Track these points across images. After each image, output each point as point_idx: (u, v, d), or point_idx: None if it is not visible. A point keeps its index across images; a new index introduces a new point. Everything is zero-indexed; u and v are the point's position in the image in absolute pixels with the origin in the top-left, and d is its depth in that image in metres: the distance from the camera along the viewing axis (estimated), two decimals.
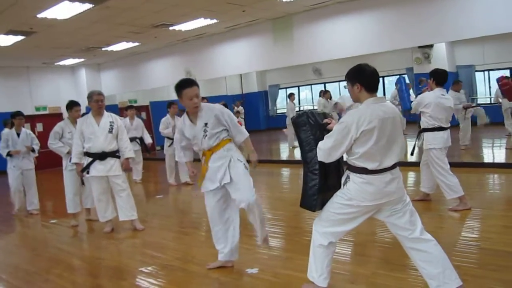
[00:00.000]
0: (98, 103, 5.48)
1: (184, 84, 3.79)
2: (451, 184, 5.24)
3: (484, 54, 14.89)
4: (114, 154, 5.59)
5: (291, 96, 13.37)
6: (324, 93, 13.26)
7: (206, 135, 3.82)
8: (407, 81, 13.22)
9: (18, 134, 7.29)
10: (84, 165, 5.51)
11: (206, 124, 3.82)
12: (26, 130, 7.48)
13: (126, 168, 5.75)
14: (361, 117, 2.79)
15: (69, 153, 6.07)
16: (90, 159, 5.49)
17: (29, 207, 7.46)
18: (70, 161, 6.06)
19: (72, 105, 6.34)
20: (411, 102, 5.46)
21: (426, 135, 5.37)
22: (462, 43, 14.17)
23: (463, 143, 9.87)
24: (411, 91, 12.47)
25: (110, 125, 5.55)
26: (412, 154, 5.92)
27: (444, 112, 5.32)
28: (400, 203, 2.94)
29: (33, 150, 7.37)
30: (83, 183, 6.29)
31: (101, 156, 5.47)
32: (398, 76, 4.96)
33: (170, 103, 9.20)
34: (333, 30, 9.95)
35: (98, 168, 5.48)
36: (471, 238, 4.45)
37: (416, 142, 5.70)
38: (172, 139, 8.75)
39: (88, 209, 6.57)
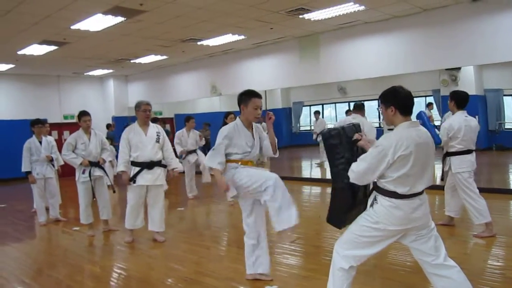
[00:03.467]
0: (146, 112, 5.61)
1: (255, 93, 3.97)
2: (480, 208, 5.13)
3: None
4: (160, 163, 5.69)
5: (316, 113, 13.58)
6: (348, 112, 13.41)
7: (260, 147, 4.09)
8: (429, 110, 13.17)
9: (40, 142, 7.41)
10: (131, 174, 5.55)
11: (259, 137, 4.09)
12: (46, 138, 7.61)
13: (172, 178, 5.92)
14: (398, 141, 2.76)
15: (82, 164, 6.20)
16: (137, 168, 5.54)
17: (51, 214, 7.57)
18: (83, 172, 6.23)
19: (81, 115, 6.36)
20: (438, 134, 5.23)
21: (453, 159, 5.26)
22: (491, 66, 13.98)
23: None
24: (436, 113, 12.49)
25: (157, 135, 5.67)
26: (442, 179, 5.70)
27: (473, 134, 5.26)
28: (425, 229, 2.91)
29: (51, 160, 7.45)
30: (94, 197, 6.36)
31: (149, 165, 5.55)
32: (418, 112, 4.84)
33: (188, 117, 9.30)
34: (359, 50, 9.96)
35: (146, 178, 5.55)
36: (496, 266, 4.35)
37: (443, 167, 5.54)
38: (185, 152, 9.03)
39: (105, 221, 6.60)
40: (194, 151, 9.18)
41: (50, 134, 8.49)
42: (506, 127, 15.43)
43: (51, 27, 8.61)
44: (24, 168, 7.30)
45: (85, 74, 15.39)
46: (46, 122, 8.24)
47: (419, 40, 9.00)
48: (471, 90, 13.62)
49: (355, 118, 6.78)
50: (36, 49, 10.50)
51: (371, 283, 4.05)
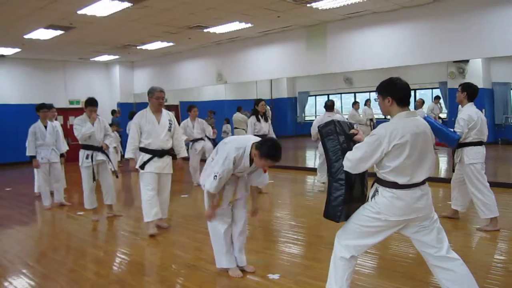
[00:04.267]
0: (159, 100, 5.46)
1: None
2: (488, 203, 5.09)
3: None
4: (170, 152, 5.62)
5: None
6: (354, 104, 13.48)
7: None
8: (436, 104, 13.17)
9: (46, 127, 7.43)
10: (138, 161, 5.44)
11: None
12: (52, 123, 7.61)
13: (182, 167, 5.89)
14: (393, 130, 2.77)
15: (91, 135, 6.17)
16: (147, 155, 5.41)
17: (56, 198, 7.62)
18: (86, 157, 6.22)
19: (88, 104, 6.30)
20: (452, 130, 5.12)
21: (467, 150, 5.18)
22: (499, 59, 13.85)
23: None
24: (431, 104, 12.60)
25: (169, 123, 5.57)
26: (453, 170, 5.59)
27: (485, 126, 5.23)
28: (428, 220, 2.90)
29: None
30: (94, 180, 6.33)
31: (161, 153, 5.46)
32: (424, 116, 4.81)
33: (190, 106, 9.22)
34: (367, 40, 9.88)
35: (156, 166, 5.43)
36: (499, 260, 4.34)
37: (454, 159, 5.46)
38: (192, 140, 9.06)
39: (109, 206, 6.62)
40: (201, 138, 9.15)
41: (55, 119, 8.48)
42: None
43: (58, 11, 8.58)
44: (28, 152, 7.34)
45: (91, 59, 15.38)
46: (52, 107, 8.24)
47: (427, 32, 8.91)
48: (479, 83, 13.38)
49: (330, 116, 7.21)
50: (42, 34, 10.48)
51: (373, 273, 4.06)
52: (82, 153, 6.30)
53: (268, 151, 3.52)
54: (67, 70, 15.60)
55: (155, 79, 15.84)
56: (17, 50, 12.67)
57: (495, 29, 7.96)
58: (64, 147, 7.83)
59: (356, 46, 10.07)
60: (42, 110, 7.42)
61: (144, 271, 4.37)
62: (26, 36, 10.66)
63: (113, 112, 14.13)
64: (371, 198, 2.94)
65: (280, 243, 5.09)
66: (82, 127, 6.17)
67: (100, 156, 6.36)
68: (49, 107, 7.68)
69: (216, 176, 3.64)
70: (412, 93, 18.35)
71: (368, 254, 4.38)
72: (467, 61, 13.86)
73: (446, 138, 4.94)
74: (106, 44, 12.41)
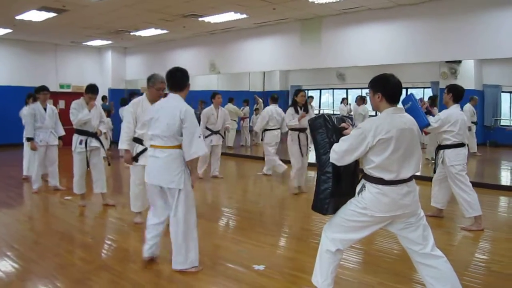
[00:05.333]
0: (159, 91, 5.05)
1: None
2: (472, 202, 5.18)
3: None
4: None
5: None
6: (343, 100, 13.75)
7: None
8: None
9: (45, 109, 7.31)
10: (133, 151, 5.16)
11: None
12: (51, 106, 7.51)
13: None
14: (379, 125, 2.80)
15: (87, 121, 6.07)
16: (140, 146, 5.13)
17: (51, 182, 7.54)
18: (80, 143, 6.13)
19: (89, 91, 6.14)
20: (427, 117, 5.15)
21: (448, 152, 5.26)
22: (491, 62, 13.93)
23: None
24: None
25: None
26: (434, 172, 5.69)
27: (466, 128, 5.30)
28: (414, 217, 2.94)
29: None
30: (88, 167, 6.27)
31: None
32: (408, 94, 4.83)
33: (214, 93, 8.74)
34: (361, 37, 9.89)
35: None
36: (482, 259, 4.41)
37: (436, 160, 5.55)
38: (212, 131, 8.54)
39: (101, 194, 6.48)
40: (218, 132, 8.70)
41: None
42: (501, 123, 15.46)
43: None
44: (27, 134, 7.21)
45: (83, 44, 15.20)
46: (48, 89, 8.16)
47: (422, 31, 8.94)
48: (470, 85, 13.60)
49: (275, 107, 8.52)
50: (35, 15, 10.32)
51: (358, 268, 4.10)
52: (76, 138, 6.19)
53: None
54: (59, 53, 15.41)
55: (148, 66, 15.73)
56: (8, 30, 12.47)
57: (488, 31, 8.01)
58: (62, 131, 7.63)
59: (350, 42, 10.08)
60: (42, 92, 7.27)
61: (130, 258, 4.37)
62: (18, 17, 10.50)
63: (103, 98, 14.03)
64: (358, 194, 2.97)
65: (266, 235, 5.11)
66: (79, 112, 6.06)
67: (94, 143, 6.27)
68: (48, 89, 7.50)
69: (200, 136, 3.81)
70: (404, 91, 18.40)
71: (353, 249, 4.42)
72: (460, 62, 13.91)
73: (417, 119, 4.87)
74: (99, 28, 12.27)
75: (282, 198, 7.40)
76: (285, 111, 7.89)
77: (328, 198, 3.01)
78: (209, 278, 3.90)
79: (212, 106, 8.65)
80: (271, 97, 8.92)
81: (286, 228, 5.48)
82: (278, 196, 7.66)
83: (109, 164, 6.93)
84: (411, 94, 5.09)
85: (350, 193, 3.06)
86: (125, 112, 5.27)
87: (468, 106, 10.67)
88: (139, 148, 5.18)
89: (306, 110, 7.18)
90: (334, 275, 3.10)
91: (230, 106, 13.40)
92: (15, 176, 8.78)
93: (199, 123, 8.54)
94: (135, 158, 5.18)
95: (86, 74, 15.79)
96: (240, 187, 8.47)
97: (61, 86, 15.38)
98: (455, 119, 5.18)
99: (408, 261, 3.10)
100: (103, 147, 6.47)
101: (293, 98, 7.43)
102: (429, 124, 5.05)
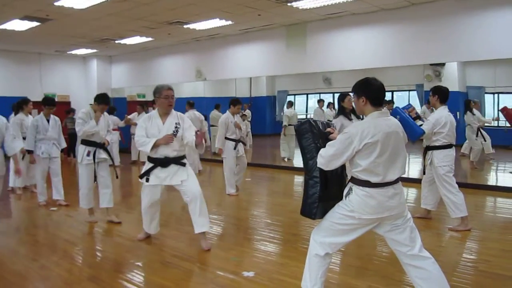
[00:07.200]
0: (168, 99, 4.69)
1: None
2: (458, 202, 5.21)
3: (496, 77, 14.86)
4: (177, 160, 4.78)
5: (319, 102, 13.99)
6: (319, 102, 13.84)
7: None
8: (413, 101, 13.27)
9: (48, 121, 7.02)
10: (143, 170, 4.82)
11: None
12: (54, 117, 7.20)
13: None
14: (365, 129, 2.82)
15: (95, 130, 5.76)
16: (149, 164, 4.78)
17: (54, 196, 7.13)
18: (87, 154, 5.80)
19: (100, 101, 5.93)
20: (418, 126, 5.20)
21: (436, 153, 5.30)
22: (474, 64, 14.16)
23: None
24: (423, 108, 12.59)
25: (176, 126, 4.73)
26: (424, 173, 5.72)
27: (454, 129, 5.34)
28: (401, 219, 2.95)
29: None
30: (95, 180, 5.92)
31: (164, 162, 4.71)
32: (393, 109, 4.88)
33: (235, 100, 7.88)
34: (346, 41, 9.95)
35: (157, 176, 4.75)
36: (470, 259, 4.45)
37: (424, 161, 5.58)
38: (234, 140, 7.66)
39: (106, 209, 6.06)
40: (240, 140, 7.84)
41: (30, 113, 8.28)
42: (485, 124, 15.66)
43: (34, 2, 8.38)
44: (28, 146, 6.87)
45: (68, 52, 15.07)
46: (29, 100, 8.02)
47: (406, 34, 9.03)
48: (454, 87, 13.78)
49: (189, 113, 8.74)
50: (18, 25, 10.20)
51: (347, 272, 4.10)
52: (82, 149, 5.86)
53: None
54: (43, 62, 15.23)
55: (134, 75, 15.68)
56: None
57: (471, 34, 8.11)
58: (64, 143, 7.37)
59: (335, 46, 10.14)
60: (48, 106, 7.00)
61: (117, 268, 4.31)
62: (0, 27, 10.39)
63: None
64: (346, 197, 2.98)
65: (255, 241, 5.09)
66: (85, 123, 5.77)
67: (102, 154, 5.93)
68: (55, 103, 7.24)
69: None
70: (390, 94, 18.56)
71: (341, 252, 4.43)
72: (443, 64, 14.12)
73: (410, 130, 4.90)
74: (83, 37, 12.19)
75: (271, 204, 7.39)
76: (266, 116, 7.74)
77: (317, 203, 3.02)
78: (198, 286, 3.87)
79: (228, 112, 7.78)
80: (188, 102, 8.79)
81: (274, 233, 5.46)
82: (266, 202, 7.65)
83: (116, 177, 6.55)
84: (397, 107, 5.13)
85: (338, 197, 3.06)
86: (138, 127, 4.84)
87: (476, 112, 10.77)
88: (148, 165, 4.79)
89: (357, 115, 6.24)
90: (324, 279, 3.09)
91: (215, 112, 13.36)
92: None
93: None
94: (142, 176, 4.80)
95: (71, 83, 15.66)
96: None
97: (46, 96, 15.21)
98: (445, 121, 5.22)
99: (398, 263, 3.11)
100: (111, 158, 6.14)
101: (339, 104, 6.47)
102: (423, 133, 5.11)
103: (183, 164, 4.78)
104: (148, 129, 4.73)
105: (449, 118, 5.26)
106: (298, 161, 12.80)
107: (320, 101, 14.02)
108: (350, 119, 6.16)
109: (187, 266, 4.23)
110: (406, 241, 2.93)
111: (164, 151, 4.67)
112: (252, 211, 6.79)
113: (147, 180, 4.74)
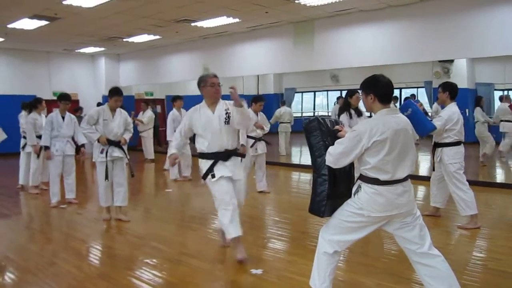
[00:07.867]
0: (215, 87, 4.31)
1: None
2: (468, 200, 5.17)
3: (506, 73, 14.72)
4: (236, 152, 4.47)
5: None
6: (339, 99, 13.64)
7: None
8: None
9: (63, 118, 7.00)
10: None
11: None
12: (70, 114, 7.17)
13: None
14: (374, 127, 2.81)
15: (99, 141, 5.68)
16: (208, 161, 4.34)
17: (67, 195, 7.08)
18: (101, 152, 5.73)
19: (112, 94, 5.74)
20: (430, 120, 5.11)
21: (446, 150, 5.24)
22: (483, 60, 14.03)
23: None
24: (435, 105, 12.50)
25: (226, 112, 4.32)
26: (434, 169, 5.65)
27: (463, 126, 5.29)
28: (410, 216, 2.93)
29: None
30: (107, 178, 5.76)
31: (225, 155, 4.34)
32: (406, 101, 4.78)
33: (258, 97, 7.62)
34: (354, 38, 9.92)
35: (222, 171, 4.29)
36: (479, 257, 4.41)
37: (434, 158, 5.51)
38: (255, 138, 7.30)
39: (118, 207, 6.01)
40: (262, 138, 7.48)
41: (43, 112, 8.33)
42: (494, 121, 15.54)
43: (42, 1, 8.44)
44: (43, 142, 6.86)
45: (76, 51, 15.16)
46: (42, 100, 8.02)
47: (414, 31, 8.98)
48: (463, 83, 13.68)
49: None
50: (27, 24, 10.29)
51: (355, 269, 4.09)
52: (97, 147, 5.80)
53: None
54: (52, 61, 15.34)
55: (141, 72, 15.74)
56: (0, 39, 12.43)
57: (480, 30, 8.05)
58: (83, 139, 6.93)
59: (343, 43, 10.11)
60: (63, 101, 6.97)
61: (126, 265, 4.34)
62: (9, 26, 10.47)
63: (98, 105, 13.96)
64: (354, 194, 2.96)
65: (264, 239, 5.10)
66: (88, 127, 5.71)
67: (116, 152, 5.79)
68: (70, 99, 7.18)
69: None
70: (398, 91, 18.45)
71: (350, 250, 4.41)
72: (452, 61, 14.02)
73: (421, 125, 4.78)
74: (91, 35, 12.25)
75: (278, 201, 7.39)
76: (273, 113, 7.59)
77: (325, 200, 3.01)
78: (206, 283, 3.88)
79: (250, 109, 6.91)
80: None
81: (283, 231, 5.46)
82: (274, 199, 7.65)
83: (132, 176, 6.43)
84: (409, 100, 5.05)
85: (346, 195, 3.05)
86: (182, 120, 4.64)
87: (503, 105, 10.75)
88: (206, 164, 4.32)
89: (360, 114, 6.18)
90: (332, 277, 3.09)
91: None
92: (8, 185, 8.69)
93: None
94: (206, 174, 4.31)
95: (80, 82, 15.74)
96: None
97: (55, 94, 15.28)
98: (457, 117, 5.18)
99: (406, 261, 3.09)
100: (126, 156, 5.98)
101: (345, 100, 6.22)
102: (435, 128, 5.05)
103: (243, 156, 4.64)
104: (196, 121, 4.33)
105: (460, 115, 5.22)
106: (296, 159, 12.82)
107: (340, 98, 13.84)
108: (351, 118, 6.07)
109: (195, 263, 4.24)
110: (415, 239, 2.91)
111: (223, 144, 4.28)
112: (260, 208, 6.79)
113: (213, 176, 4.22)
